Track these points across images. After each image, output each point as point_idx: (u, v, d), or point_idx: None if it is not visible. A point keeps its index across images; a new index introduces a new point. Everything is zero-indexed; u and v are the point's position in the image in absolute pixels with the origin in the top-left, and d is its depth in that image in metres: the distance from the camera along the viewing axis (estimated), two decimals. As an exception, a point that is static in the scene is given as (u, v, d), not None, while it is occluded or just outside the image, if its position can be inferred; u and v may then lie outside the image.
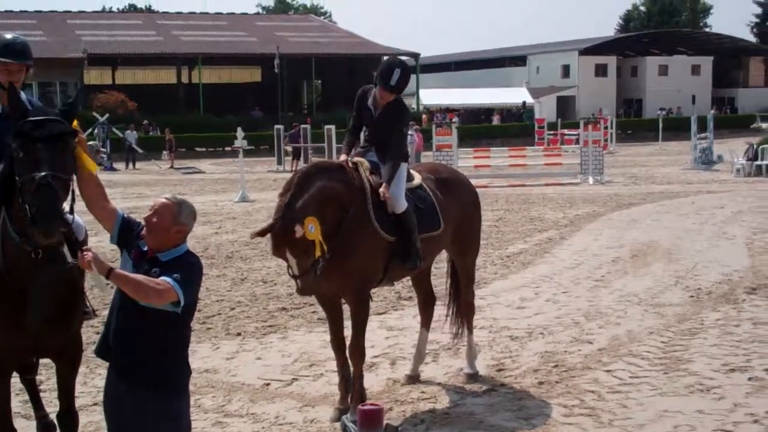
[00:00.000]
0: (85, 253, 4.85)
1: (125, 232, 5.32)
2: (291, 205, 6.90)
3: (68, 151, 5.34)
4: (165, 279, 4.85)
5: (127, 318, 4.99)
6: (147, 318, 4.91)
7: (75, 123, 5.48)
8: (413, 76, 69.51)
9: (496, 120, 66.98)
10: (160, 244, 5.06)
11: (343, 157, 7.95)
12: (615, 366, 8.96)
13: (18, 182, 5.26)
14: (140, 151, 43.83)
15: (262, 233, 6.94)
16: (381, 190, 7.54)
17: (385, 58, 8.39)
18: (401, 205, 7.71)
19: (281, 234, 6.77)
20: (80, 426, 6.38)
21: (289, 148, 40.08)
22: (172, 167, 42.40)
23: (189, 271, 5.02)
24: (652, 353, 9.35)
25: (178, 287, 4.85)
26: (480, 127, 62.31)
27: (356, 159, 7.89)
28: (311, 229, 6.73)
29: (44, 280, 5.56)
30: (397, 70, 7.71)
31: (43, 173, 5.08)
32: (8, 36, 6.37)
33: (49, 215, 5.07)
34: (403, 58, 62.36)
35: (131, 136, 44.47)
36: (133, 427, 5.00)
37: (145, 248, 5.11)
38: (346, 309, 7.87)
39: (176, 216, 5.07)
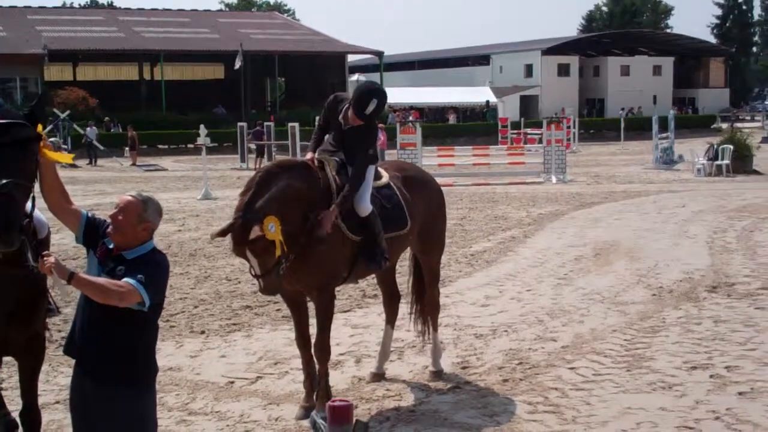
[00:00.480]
0: (45, 258, 4.81)
1: (90, 232, 5.28)
2: (251, 204, 6.85)
3: (32, 157, 5.30)
4: (128, 281, 4.82)
5: (92, 316, 4.95)
6: (113, 316, 4.87)
7: (39, 127, 5.42)
8: (377, 75, 69.08)
9: (451, 119, 66.90)
10: (126, 242, 5.03)
11: (309, 155, 7.89)
12: (578, 363, 9.02)
13: None
14: (101, 148, 43.47)
15: (222, 233, 6.88)
16: (327, 211, 7.35)
17: (359, 79, 8.12)
18: (366, 208, 7.69)
19: (240, 233, 6.71)
20: (43, 424, 6.33)
21: (253, 146, 39.94)
22: (134, 164, 42.01)
23: (154, 269, 4.99)
24: (615, 351, 9.42)
25: (142, 288, 4.82)
26: (444, 126, 62.46)
27: (322, 157, 7.83)
28: (271, 228, 6.66)
29: (6, 281, 5.51)
30: (374, 100, 7.58)
31: (4, 181, 5.05)
32: None
33: (8, 225, 5.05)
34: (367, 56, 61.82)
35: (91, 132, 44.12)
36: (99, 425, 4.96)
37: (111, 246, 5.08)
38: (311, 306, 7.85)
39: (142, 213, 5.04)
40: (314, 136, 8.15)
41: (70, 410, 5.23)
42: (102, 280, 4.84)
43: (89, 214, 5.38)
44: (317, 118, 8.28)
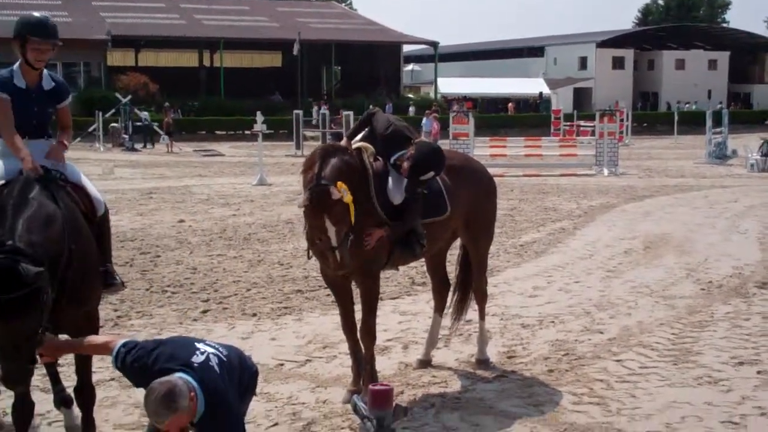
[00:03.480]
0: None
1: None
2: (320, 173, 6.96)
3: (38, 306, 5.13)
4: None
5: None
6: None
7: None
8: (432, 65, 68.61)
9: (510, 110, 66.63)
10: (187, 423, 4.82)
11: (344, 141, 7.82)
12: (625, 356, 9.02)
13: None
14: (161, 132, 43.76)
15: (306, 202, 6.88)
16: (377, 230, 7.42)
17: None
18: (400, 196, 7.71)
19: (320, 198, 6.77)
20: (97, 400, 6.52)
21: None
22: (169, 151, 41.64)
23: (221, 410, 4.83)
24: (661, 344, 9.40)
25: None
26: (496, 117, 62.24)
27: (360, 144, 7.76)
28: (344, 193, 6.78)
29: None
30: (432, 173, 7.58)
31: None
32: (37, 14, 6.46)
33: (17, 381, 5.25)
34: (422, 46, 61.68)
35: (144, 116, 44.55)
36: None
37: None
38: (357, 293, 7.94)
39: (183, 411, 4.66)
40: (354, 128, 8.17)
41: None
42: None
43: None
44: (370, 106, 8.25)
